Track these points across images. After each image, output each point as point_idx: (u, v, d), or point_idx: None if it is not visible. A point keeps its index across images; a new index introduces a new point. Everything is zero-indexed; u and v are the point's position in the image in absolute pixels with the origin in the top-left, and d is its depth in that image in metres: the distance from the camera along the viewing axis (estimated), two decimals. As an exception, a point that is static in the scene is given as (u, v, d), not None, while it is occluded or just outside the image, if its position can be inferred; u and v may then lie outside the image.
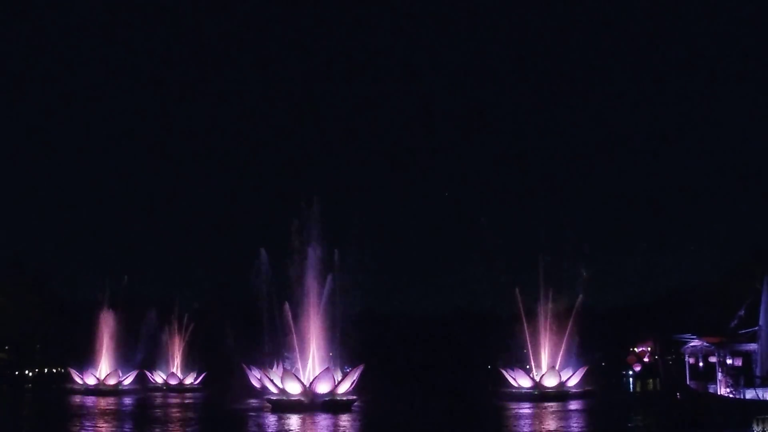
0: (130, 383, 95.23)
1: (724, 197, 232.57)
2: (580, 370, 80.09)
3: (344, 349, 66.30)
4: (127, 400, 78.83)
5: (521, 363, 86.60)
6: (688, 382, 42.72)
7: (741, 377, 41.58)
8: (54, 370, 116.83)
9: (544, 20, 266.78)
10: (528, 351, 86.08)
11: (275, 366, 69.17)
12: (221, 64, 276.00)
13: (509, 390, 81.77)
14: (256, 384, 71.65)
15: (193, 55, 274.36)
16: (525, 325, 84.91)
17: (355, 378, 63.22)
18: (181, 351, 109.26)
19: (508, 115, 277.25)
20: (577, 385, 79.51)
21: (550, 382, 78.71)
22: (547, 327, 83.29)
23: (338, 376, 63.37)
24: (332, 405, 59.70)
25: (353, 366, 65.06)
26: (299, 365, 63.99)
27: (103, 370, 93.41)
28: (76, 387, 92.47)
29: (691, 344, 43.08)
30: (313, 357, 64.20)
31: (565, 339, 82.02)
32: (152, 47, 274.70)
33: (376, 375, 69.08)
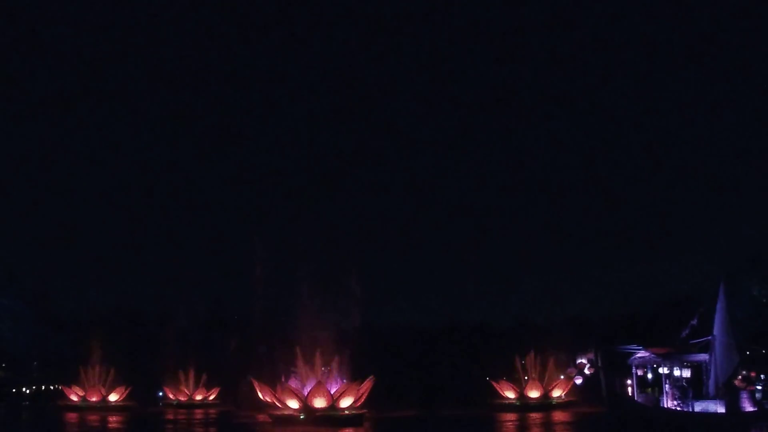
0: (125, 399, 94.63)
1: (722, 204, 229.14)
2: (563, 380, 79.80)
3: (347, 363, 65.40)
4: (114, 417, 78.57)
5: (512, 374, 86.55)
6: (636, 396, 41.74)
7: (689, 389, 40.66)
8: (51, 387, 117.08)
9: (545, 24, 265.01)
10: (518, 362, 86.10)
11: (283, 380, 68.15)
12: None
13: (499, 401, 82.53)
14: (263, 399, 70.51)
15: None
16: (513, 337, 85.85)
17: (361, 392, 61.76)
18: (190, 366, 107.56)
19: (504, 126, 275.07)
20: (560, 396, 79.35)
21: (534, 393, 79.79)
22: (533, 339, 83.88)
23: (339, 389, 61.82)
24: (334, 420, 58.52)
25: (358, 379, 63.29)
26: (307, 379, 62.91)
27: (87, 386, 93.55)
28: (70, 404, 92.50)
29: (639, 355, 42.19)
30: (318, 370, 63.23)
31: (550, 350, 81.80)
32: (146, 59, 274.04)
33: (379, 388, 68.34)
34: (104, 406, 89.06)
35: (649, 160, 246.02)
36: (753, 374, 43.14)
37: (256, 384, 66.94)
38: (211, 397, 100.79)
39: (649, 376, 42.25)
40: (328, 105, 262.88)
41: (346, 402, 60.70)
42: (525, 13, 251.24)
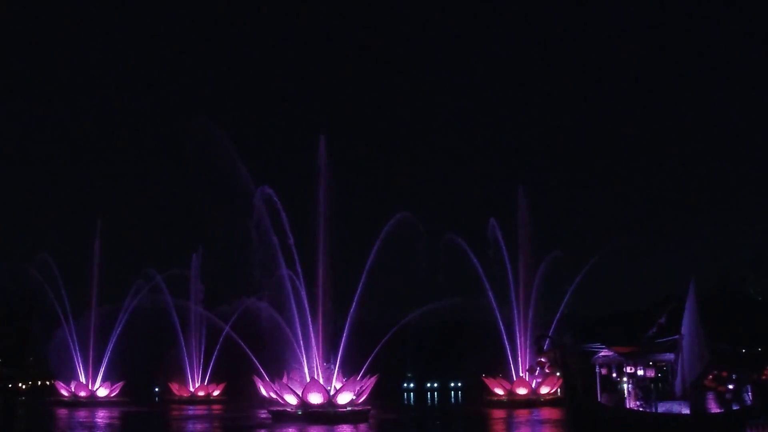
0: (119, 395, 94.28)
1: (719, 203, 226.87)
2: (549, 378, 78.78)
3: (348, 359, 64.69)
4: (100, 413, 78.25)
5: (504, 371, 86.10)
6: (599, 396, 40.91)
7: (653, 389, 39.80)
8: (47, 383, 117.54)
9: (552, 16, 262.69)
10: (510, 360, 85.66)
11: (284, 377, 67.50)
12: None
13: (490, 398, 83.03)
14: (266, 395, 69.73)
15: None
16: (504, 335, 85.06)
17: (361, 388, 61.10)
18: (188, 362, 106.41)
19: (501, 125, 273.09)
20: (549, 393, 78.78)
21: (522, 390, 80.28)
22: (521, 338, 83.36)
23: (337, 386, 61.24)
24: (332, 416, 57.81)
25: (356, 375, 62.62)
26: (307, 375, 62.34)
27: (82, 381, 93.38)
28: (61, 399, 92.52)
29: (602, 354, 41.28)
30: (317, 367, 62.68)
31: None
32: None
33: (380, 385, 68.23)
34: (92, 402, 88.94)
35: (643, 157, 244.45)
36: (724, 374, 42.08)
37: (257, 380, 66.65)
38: (215, 393, 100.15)
39: (614, 375, 41.38)
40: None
41: (344, 398, 59.97)
42: None
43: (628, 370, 39.92)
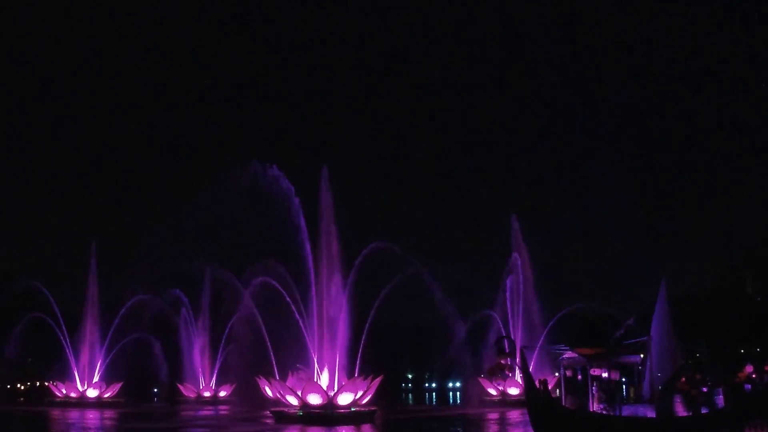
0: (117, 395, 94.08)
1: (718, 199, 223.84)
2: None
3: (351, 360, 63.99)
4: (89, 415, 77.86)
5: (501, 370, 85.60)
6: (564, 398, 39.89)
7: (618, 392, 38.73)
8: (46, 383, 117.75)
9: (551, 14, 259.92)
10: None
11: (289, 377, 66.80)
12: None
13: (485, 398, 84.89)
14: (271, 396, 68.82)
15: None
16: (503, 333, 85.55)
17: (366, 389, 60.12)
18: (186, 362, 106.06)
19: (496, 130, 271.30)
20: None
21: (513, 390, 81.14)
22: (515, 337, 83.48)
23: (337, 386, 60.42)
24: (333, 418, 57.02)
25: (358, 376, 61.74)
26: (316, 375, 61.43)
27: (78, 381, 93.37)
28: (54, 400, 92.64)
29: (567, 356, 40.25)
30: (322, 366, 61.64)
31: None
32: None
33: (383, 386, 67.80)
34: (84, 403, 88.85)
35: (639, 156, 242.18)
36: (698, 376, 40.87)
37: (262, 380, 66.41)
38: (222, 394, 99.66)
39: (579, 377, 40.31)
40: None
41: (345, 399, 59.09)
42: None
43: (593, 372, 38.86)
